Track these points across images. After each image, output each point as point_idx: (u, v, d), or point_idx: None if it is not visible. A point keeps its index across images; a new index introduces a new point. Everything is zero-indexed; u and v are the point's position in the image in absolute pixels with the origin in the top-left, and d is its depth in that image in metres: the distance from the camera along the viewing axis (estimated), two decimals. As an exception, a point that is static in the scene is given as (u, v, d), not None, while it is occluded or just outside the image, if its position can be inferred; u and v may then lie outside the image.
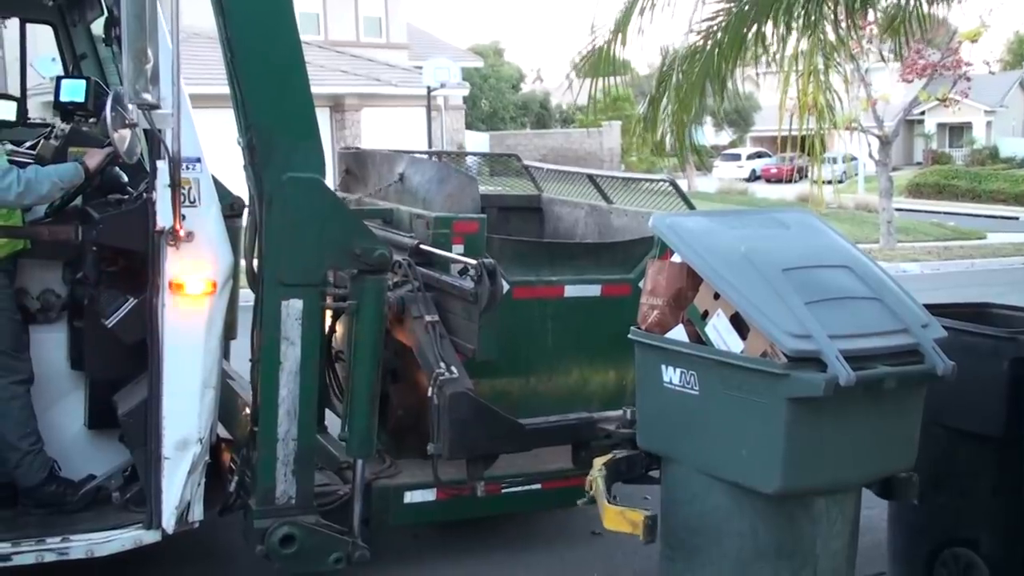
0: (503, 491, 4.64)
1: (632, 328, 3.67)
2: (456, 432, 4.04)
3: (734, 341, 3.30)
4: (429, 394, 4.08)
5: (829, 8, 4.20)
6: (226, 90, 3.91)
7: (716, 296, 3.39)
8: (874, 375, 3.19)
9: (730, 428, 3.31)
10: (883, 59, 5.25)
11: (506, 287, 4.76)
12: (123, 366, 4.15)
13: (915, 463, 3.64)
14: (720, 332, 3.33)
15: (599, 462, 3.73)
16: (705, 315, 3.42)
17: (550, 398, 4.97)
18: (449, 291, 4.45)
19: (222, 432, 4.53)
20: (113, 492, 4.24)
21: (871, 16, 4.30)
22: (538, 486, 4.69)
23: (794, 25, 4.14)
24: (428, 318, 4.29)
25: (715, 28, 3.92)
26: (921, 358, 3.35)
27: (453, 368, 4.12)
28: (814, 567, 3.36)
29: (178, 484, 3.88)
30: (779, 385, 3.13)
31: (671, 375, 3.46)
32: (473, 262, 4.29)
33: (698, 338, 3.44)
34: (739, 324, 3.30)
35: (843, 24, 4.50)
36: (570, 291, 4.94)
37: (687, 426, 3.47)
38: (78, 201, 4.28)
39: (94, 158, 4.11)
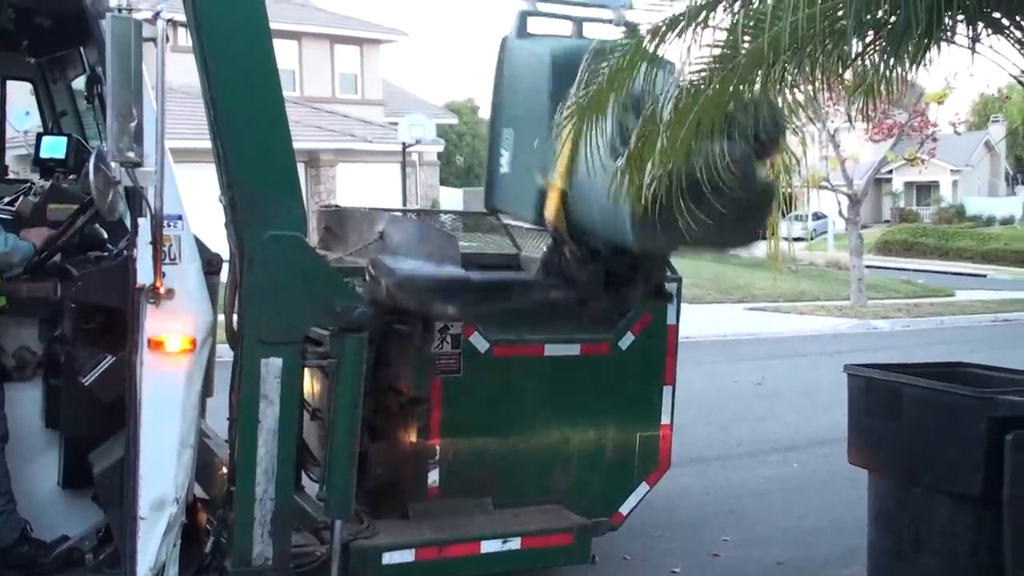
0: (482, 551, 4.61)
1: None
2: None
3: None
4: None
5: (795, 70, 4.27)
6: (199, 145, 3.91)
7: None
8: None
9: None
10: (850, 120, 5.34)
11: (486, 346, 4.79)
12: (99, 424, 4.11)
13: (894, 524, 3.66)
14: None
15: None
16: None
17: (530, 457, 4.97)
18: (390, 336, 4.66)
19: (198, 492, 4.47)
20: (86, 553, 4.18)
21: (847, 75, 4.38)
22: (517, 545, 4.66)
23: (770, 87, 4.21)
24: None
25: (698, 86, 3.99)
26: None
27: None
28: None
29: (153, 545, 3.81)
30: None
31: None
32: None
33: None
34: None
35: (811, 86, 4.58)
36: (550, 350, 4.96)
37: None
38: (57, 258, 4.25)
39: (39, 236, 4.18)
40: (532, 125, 4.73)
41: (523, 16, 5.03)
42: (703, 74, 4.12)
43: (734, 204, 4.15)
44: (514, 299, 4.79)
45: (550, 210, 4.57)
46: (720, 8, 4.19)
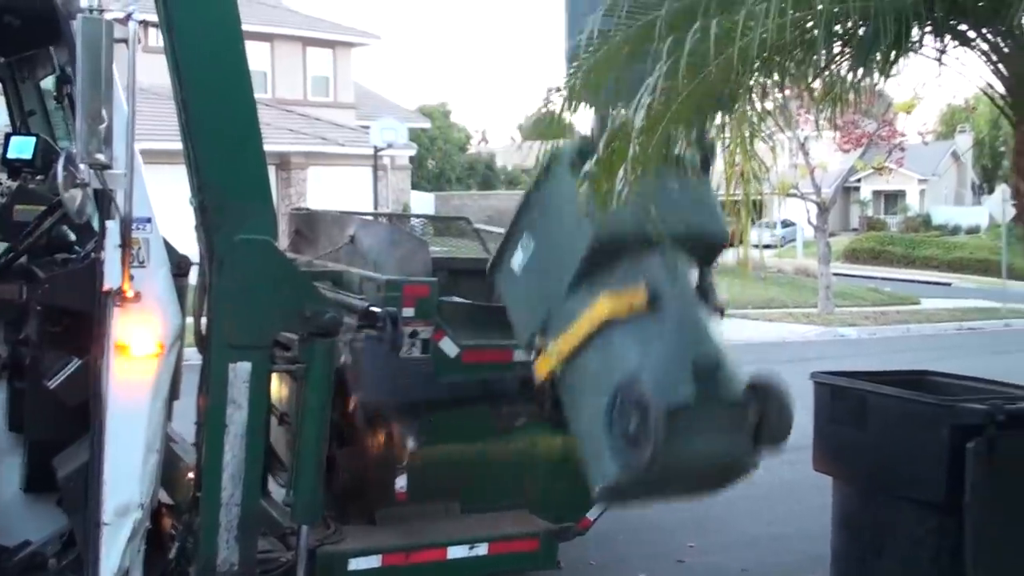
0: (449, 557, 4.60)
1: None
2: None
3: None
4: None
5: (764, 79, 4.32)
6: (169, 146, 3.88)
7: None
8: None
9: None
10: (818, 128, 5.44)
11: (456, 351, 4.79)
12: (64, 428, 4.07)
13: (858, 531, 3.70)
14: None
15: None
16: None
17: (498, 462, 4.97)
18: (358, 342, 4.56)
19: (164, 497, 4.43)
20: (49, 558, 4.13)
21: (817, 84, 4.44)
22: (484, 551, 4.66)
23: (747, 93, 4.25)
24: None
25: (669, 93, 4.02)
26: None
27: None
28: None
29: (117, 551, 3.77)
30: None
31: None
32: (379, 311, 4.42)
33: None
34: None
35: (781, 94, 4.62)
36: (519, 355, 4.95)
37: None
38: (23, 259, 4.21)
39: None
40: (552, 261, 4.50)
41: (585, 143, 4.53)
42: (674, 82, 4.15)
43: (711, 465, 4.28)
44: (480, 416, 4.80)
45: (539, 370, 4.46)
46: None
